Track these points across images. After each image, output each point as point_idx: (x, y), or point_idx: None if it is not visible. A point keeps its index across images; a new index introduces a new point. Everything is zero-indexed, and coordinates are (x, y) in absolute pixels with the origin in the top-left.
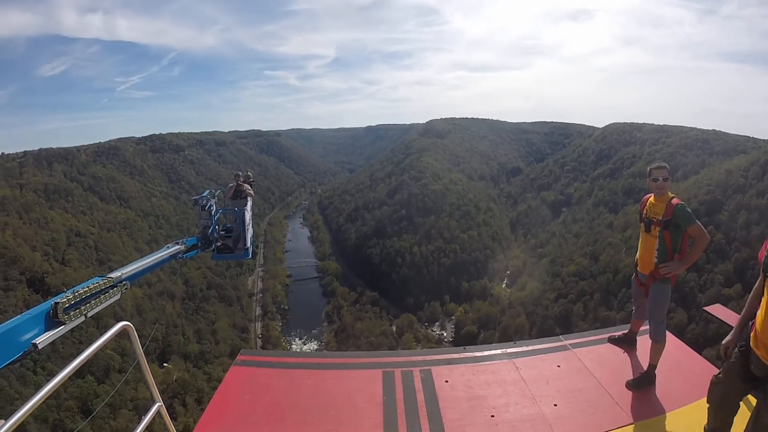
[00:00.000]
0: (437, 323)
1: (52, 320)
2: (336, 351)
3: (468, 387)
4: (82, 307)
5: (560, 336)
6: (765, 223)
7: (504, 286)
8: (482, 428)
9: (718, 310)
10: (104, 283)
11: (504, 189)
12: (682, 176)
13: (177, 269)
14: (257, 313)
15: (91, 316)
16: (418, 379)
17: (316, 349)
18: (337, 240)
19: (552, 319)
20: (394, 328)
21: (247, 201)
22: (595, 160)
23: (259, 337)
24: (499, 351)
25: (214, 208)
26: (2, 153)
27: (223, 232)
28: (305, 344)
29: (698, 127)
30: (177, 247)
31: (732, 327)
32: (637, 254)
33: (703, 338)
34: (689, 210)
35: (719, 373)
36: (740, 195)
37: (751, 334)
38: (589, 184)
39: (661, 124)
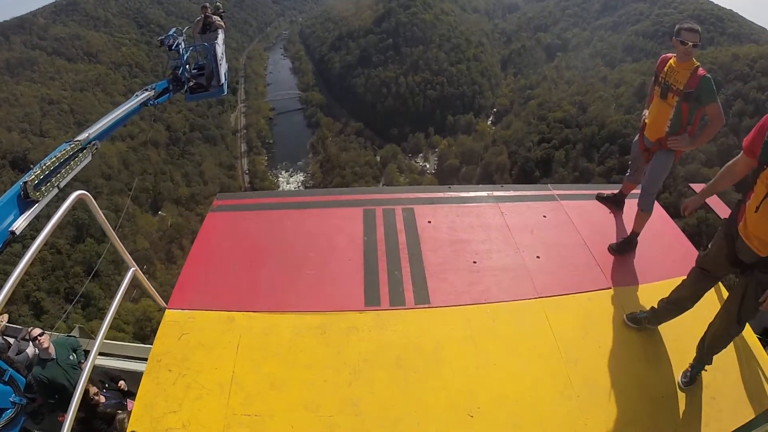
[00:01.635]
0: (421, 155)
1: (25, 201)
2: (319, 187)
3: (451, 229)
4: (53, 179)
5: (548, 185)
6: (759, 116)
7: (489, 123)
8: (463, 274)
9: (700, 189)
10: (72, 148)
11: (498, 25)
12: None
13: (158, 116)
14: (243, 150)
15: (64, 186)
16: (400, 218)
17: (303, 181)
18: (320, 70)
19: (533, 161)
20: (378, 159)
21: (218, 34)
22: (600, 10)
23: (246, 173)
24: (485, 193)
25: (182, 46)
26: None
27: (195, 71)
28: (291, 176)
29: (715, 2)
30: (146, 93)
31: (709, 206)
32: (647, 118)
33: (674, 209)
34: (714, 85)
35: (706, 252)
36: (741, 83)
37: (740, 224)
38: (590, 33)
39: None
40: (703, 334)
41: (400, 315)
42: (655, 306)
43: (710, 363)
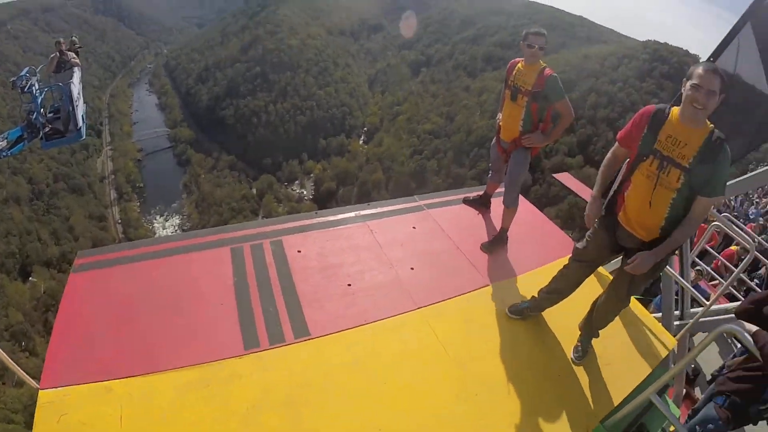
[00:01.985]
0: (297, 182)
1: None
2: (197, 228)
3: (322, 255)
4: None
5: (415, 196)
6: (612, 107)
7: (361, 142)
8: (339, 299)
9: (565, 178)
10: None
11: (364, 45)
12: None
13: (17, 168)
14: (112, 197)
15: None
16: (269, 252)
17: (179, 224)
18: (187, 104)
19: (408, 174)
20: (254, 191)
21: (74, 72)
22: (460, 25)
23: (119, 223)
24: (352, 214)
25: (35, 87)
26: None
27: (51, 115)
28: (167, 221)
29: (566, 11)
30: None
31: (575, 192)
32: (500, 121)
33: (546, 198)
34: (560, 83)
35: (584, 245)
36: (593, 79)
37: (620, 214)
38: (451, 47)
39: (532, 0)
40: (586, 313)
41: (282, 352)
42: (536, 296)
43: (597, 336)
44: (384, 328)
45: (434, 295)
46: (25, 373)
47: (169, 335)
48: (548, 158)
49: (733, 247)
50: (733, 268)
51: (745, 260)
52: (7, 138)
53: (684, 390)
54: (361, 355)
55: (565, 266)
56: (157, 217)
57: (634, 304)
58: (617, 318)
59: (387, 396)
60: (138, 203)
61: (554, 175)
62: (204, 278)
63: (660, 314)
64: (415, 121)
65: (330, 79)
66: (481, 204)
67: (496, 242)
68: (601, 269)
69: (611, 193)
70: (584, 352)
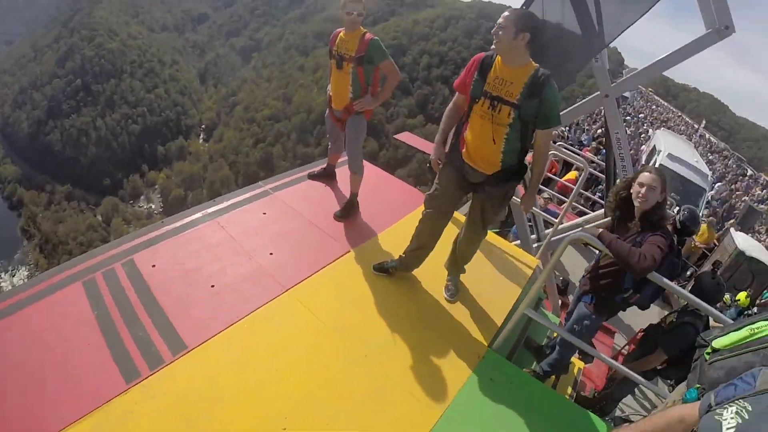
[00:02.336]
0: (142, 197)
1: None
2: (31, 279)
3: (177, 264)
4: None
5: (260, 182)
6: (444, 66)
7: (201, 141)
8: (206, 303)
9: (406, 137)
10: None
11: (190, 38)
12: (371, 22)
13: None
14: None
15: None
16: (123, 275)
17: (28, 275)
18: (6, 135)
19: (255, 164)
20: (99, 218)
21: None
22: (287, 5)
23: None
24: (199, 214)
25: None
26: None
27: None
28: (13, 276)
29: None
30: None
31: (418, 148)
32: (330, 91)
33: (394, 161)
34: (383, 46)
35: (434, 190)
36: (424, 42)
37: (463, 152)
38: (281, 28)
39: None
40: (449, 253)
41: (166, 373)
42: (402, 255)
43: (464, 272)
44: (258, 319)
45: (299, 273)
46: None
47: (43, 396)
48: (390, 122)
49: (573, 172)
50: (573, 188)
51: (581, 178)
52: None
53: (560, 301)
54: (244, 352)
55: (420, 220)
56: (2, 275)
57: (493, 238)
58: (480, 253)
59: (282, 383)
60: None
61: (395, 136)
62: (63, 323)
63: (519, 241)
64: (253, 110)
65: (158, 80)
66: (327, 176)
67: (348, 209)
68: (455, 213)
69: (453, 136)
70: (456, 289)
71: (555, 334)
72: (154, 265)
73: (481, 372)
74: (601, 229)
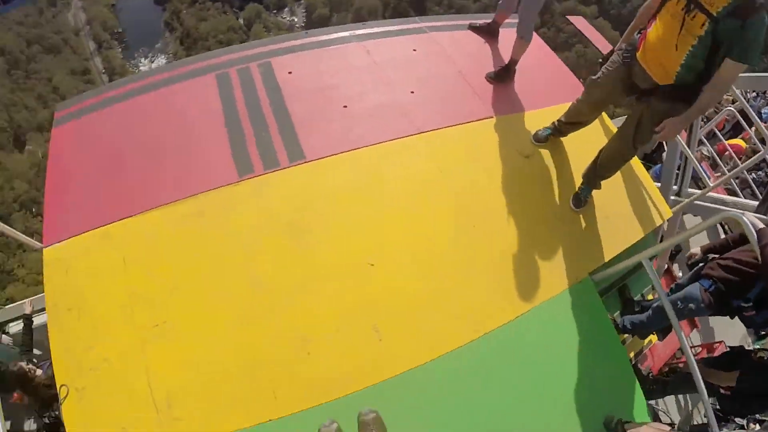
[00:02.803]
0: (286, 9)
1: None
2: (167, 63)
3: (315, 76)
4: None
5: (416, 18)
6: None
7: None
8: (336, 120)
9: (581, 23)
10: None
11: None
12: None
13: None
14: (92, 49)
15: None
16: (258, 75)
17: (166, 63)
18: None
19: (407, 2)
20: (241, 21)
21: None
22: None
23: (104, 73)
24: (347, 33)
25: None
26: None
27: None
28: (152, 62)
29: None
30: None
31: (589, 39)
32: None
33: (552, 43)
34: None
35: (597, 77)
36: None
37: (639, 48)
38: None
39: None
40: (590, 162)
41: (278, 177)
42: (557, 122)
43: (599, 188)
44: (383, 152)
45: (435, 120)
46: (24, 236)
47: (160, 171)
48: (560, 1)
49: (740, 141)
50: (738, 161)
51: (753, 158)
52: None
53: (666, 265)
54: (361, 179)
55: (578, 100)
56: (142, 60)
57: (638, 166)
58: (620, 175)
59: (388, 223)
60: (119, 49)
61: (569, 17)
62: (190, 109)
63: (659, 184)
64: None
65: None
66: (488, 32)
67: (503, 73)
68: (609, 122)
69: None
70: (584, 201)
71: (651, 297)
72: (290, 72)
73: (570, 294)
74: (763, 225)
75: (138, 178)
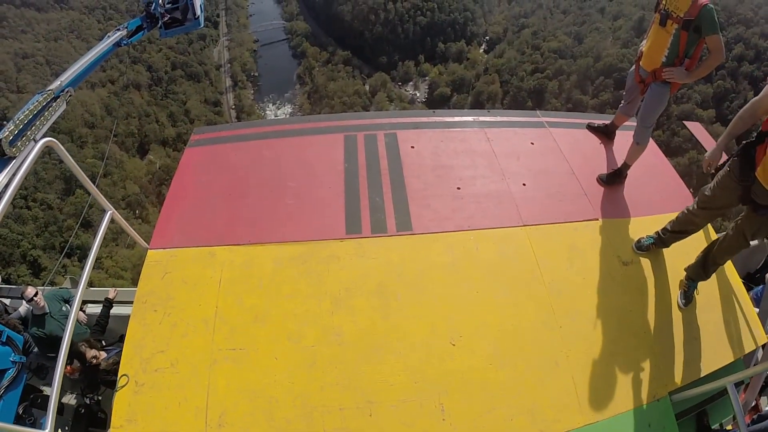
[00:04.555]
0: (411, 83)
1: (2, 159)
2: (302, 116)
3: (435, 155)
4: (28, 133)
5: (537, 111)
6: (759, 64)
7: (481, 51)
8: (446, 200)
9: (698, 130)
10: (45, 98)
11: None
12: None
13: (137, 57)
14: (228, 85)
15: (41, 137)
16: (382, 143)
17: (290, 113)
18: None
19: (526, 91)
20: (367, 88)
21: None
22: None
23: (233, 108)
24: (470, 118)
25: None
26: None
27: (169, 5)
28: (279, 109)
29: None
30: (118, 33)
31: (705, 148)
32: (644, 46)
33: (666, 147)
34: (716, 16)
35: (713, 194)
36: (743, 27)
37: (759, 169)
38: None
39: None
40: (696, 259)
41: (382, 242)
42: (662, 233)
43: (707, 278)
44: (486, 238)
45: (542, 215)
46: (137, 235)
47: (275, 211)
48: (677, 104)
49: None
50: None
51: None
52: (127, 28)
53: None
54: (459, 259)
55: (690, 210)
56: (270, 105)
57: (737, 284)
58: (716, 293)
59: (476, 306)
60: (252, 91)
61: (685, 122)
62: (315, 161)
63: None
64: (540, 37)
65: None
66: (605, 134)
67: (615, 177)
68: (712, 232)
69: (744, 143)
70: (690, 298)
71: (730, 428)
72: (413, 146)
73: (645, 411)
74: None
75: (254, 212)
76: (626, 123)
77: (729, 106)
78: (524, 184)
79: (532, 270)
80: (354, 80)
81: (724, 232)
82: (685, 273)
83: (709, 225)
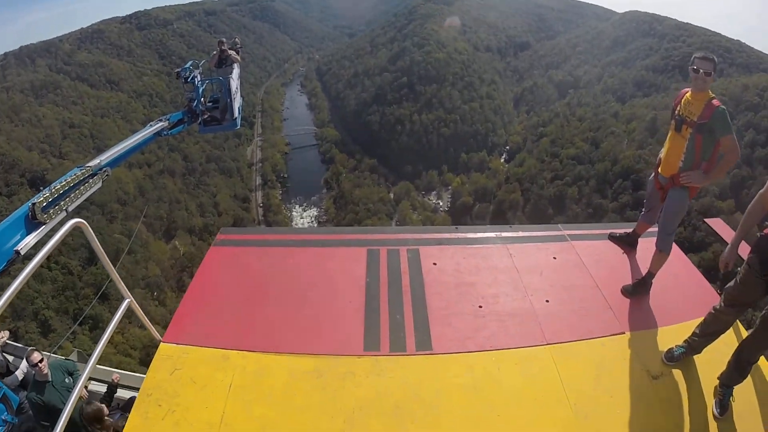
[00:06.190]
0: (434, 192)
1: (32, 222)
2: (332, 223)
3: (457, 271)
4: (62, 203)
5: (559, 225)
6: None
7: (502, 160)
8: (468, 319)
9: (719, 226)
10: (83, 173)
11: (510, 63)
12: None
13: (175, 146)
14: (257, 183)
15: (72, 210)
16: (405, 259)
17: (316, 216)
18: (335, 107)
19: (546, 199)
20: (391, 195)
21: (233, 68)
22: (610, 46)
23: (260, 206)
24: (492, 234)
25: (198, 79)
26: None
27: (210, 104)
28: (305, 211)
29: (722, 34)
30: (160, 124)
31: (727, 242)
32: (662, 154)
33: (688, 243)
34: (729, 117)
35: (737, 292)
36: (752, 113)
37: None
38: (600, 69)
39: (684, 21)
40: (729, 362)
41: (400, 361)
42: (691, 339)
43: (742, 380)
44: (508, 358)
45: (566, 333)
46: (151, 325)
47: (293, 321)
48: (696, 199)
49: None
50: None
51: None
52: (169, 120)
53: None
54: (480, 381)
55: (717, 309)
56: (296, 207)
57: None
58: (753, 396)
59: (496, 429)
60: (280, 191)
61: (706, 219)
62: (336, 273)
63: None
64: (558, 145)
65: (475, 95)
66: (628, 243)
67: (640, 287)
68: (741, 329)
69: (759, 236)
70: (726, 405)
71: None
72: (435, 263)
73: None
74: None
75: (272, 319)
76: (649, 229)
77: (747, 193)
78: (547, 301)
79: (557, 391)
80: (379, 188)
81: (753, 328)
82: (718, 380)
83: (738, 323)
